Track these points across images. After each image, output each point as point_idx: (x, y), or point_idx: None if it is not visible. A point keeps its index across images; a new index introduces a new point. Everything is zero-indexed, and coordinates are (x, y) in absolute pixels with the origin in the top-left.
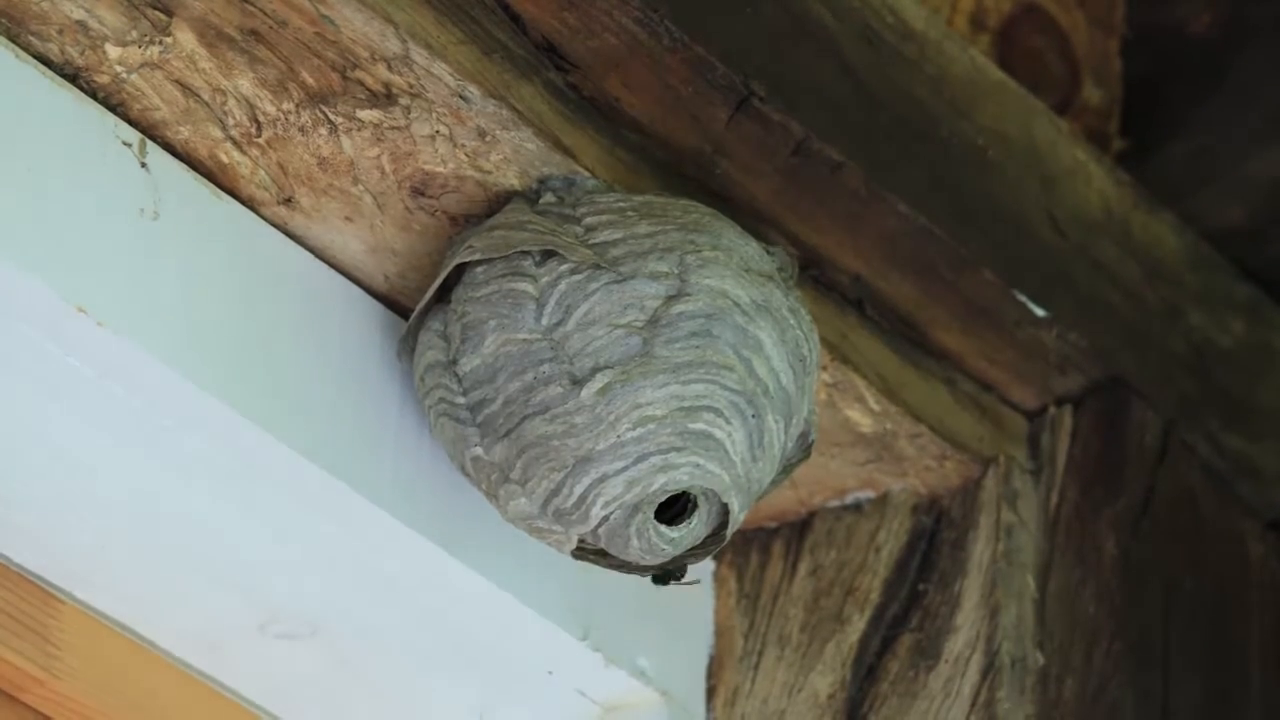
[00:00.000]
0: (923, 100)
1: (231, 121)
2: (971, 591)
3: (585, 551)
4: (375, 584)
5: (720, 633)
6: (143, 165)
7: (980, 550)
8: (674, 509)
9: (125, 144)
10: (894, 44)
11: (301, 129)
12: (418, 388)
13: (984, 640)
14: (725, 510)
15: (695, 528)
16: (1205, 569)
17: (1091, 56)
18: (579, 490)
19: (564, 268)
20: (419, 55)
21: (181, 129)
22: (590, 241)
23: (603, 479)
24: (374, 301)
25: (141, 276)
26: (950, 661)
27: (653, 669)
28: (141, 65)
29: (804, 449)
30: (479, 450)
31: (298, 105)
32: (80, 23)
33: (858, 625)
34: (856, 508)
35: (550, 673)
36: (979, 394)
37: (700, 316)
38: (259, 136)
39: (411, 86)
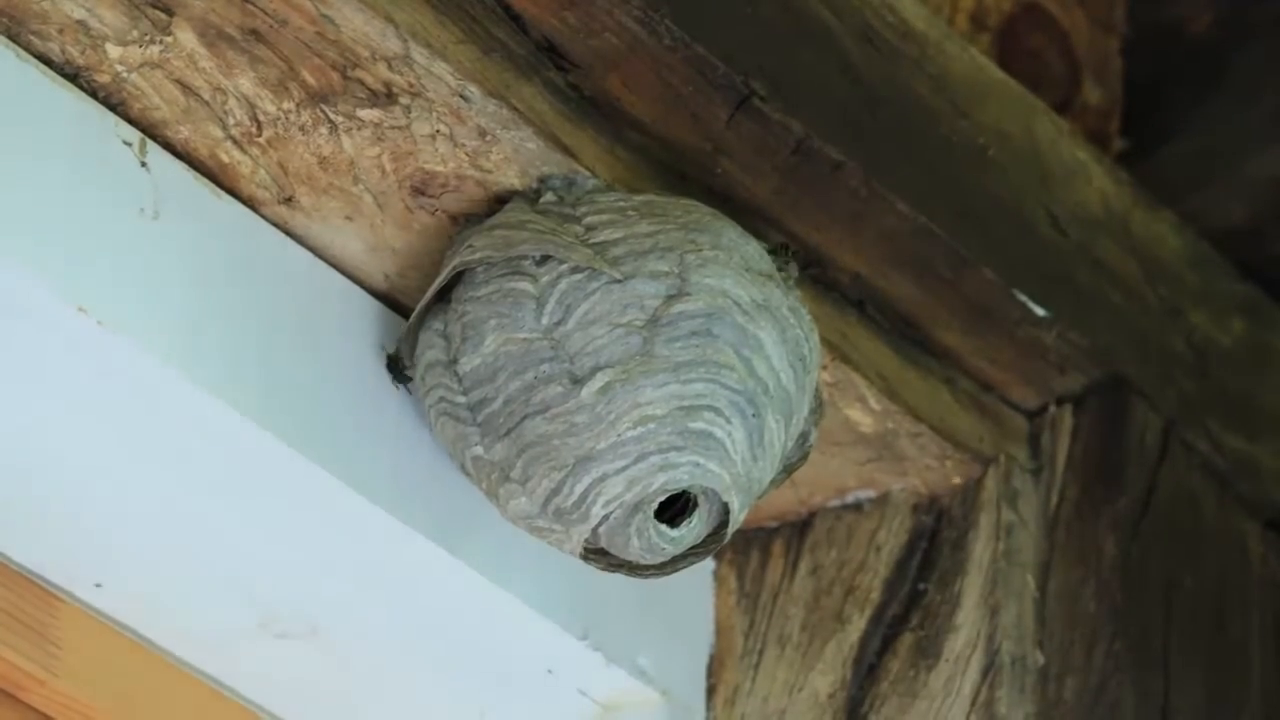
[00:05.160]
0: (923, 99)
1: (232, 121)
2: (972, 591)
3: (589, 553)
4: (375, 584)
5: (720, 632)
6: (143, 165)
7: (980, 550)
8: (674, 508)
9: (125, 143)
10: (894, 43)
11: (302, 128)
12: (418, 387)
13: (984, 639)
14: (725, 509)
15: (695, 527)
16: (1205, 569)
17: (1092, 56)
18: (579, 489)
19: (564, 266)
20: (419, 54)
21: (182, 128)
22: (590, 241)
23: (603, 478)
24: (374, 301)
25: (141, 276)
26: (950, 661)
27: (653, 668)
28: (142, 64)
29: (803, 450)
30: (479, 449)
31: (298, 104)
32: (81, 22)
33: (858, 624)
34: (857, 507)
35: (550, 672)
36: (979, 393)
37: (700, 316)
38: (259, 136)
39: (412, 86)
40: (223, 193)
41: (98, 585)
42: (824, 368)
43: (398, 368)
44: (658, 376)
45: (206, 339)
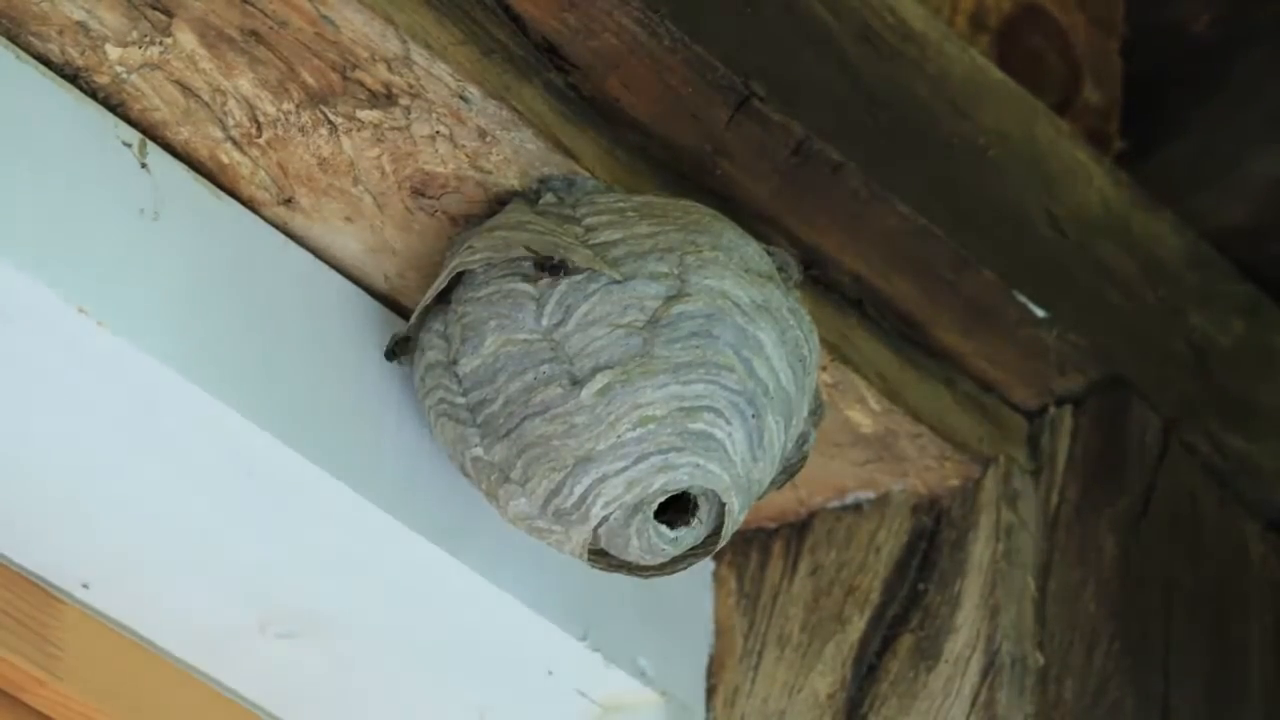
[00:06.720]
0: (923, 100)
1: (232, 122)
2: (971, 591)
3: (590, 554)
4: (375, 584)
5: (720, 633)
6: (143, 165)
7: (980, 550)
8: (674, 509)
9: (125, 144)
10: (894, 44)
11: (302, 129)
12: (418, 388)
13: (984, 640)
14: (725, 510)
15: (695, 528)
16: (1205, 569)
17: (1091, 56)
18: (579, 490)
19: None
20: (419, 56)
21: (182, 129)
22: (590, 242)
23: (603, 479)
24: (374, 301)
25: (141, 276)
26: (950, 661)
27: (653, 669)
28: (142, 65)
29: (802, 451)
30: (479, 450)
31: (298, 105)
32: (80, 23)
33: (858, 625)
34: (856, 508)
35: (550, 673)
36: (979, 394)
37: (700, 317)
38: (259, 137)
39: (412, 87)
40: (222, 194)
41: (85, 585)
42: (824, 368)
43: (403, 348)
44: (657, 377)
45: (206, 339)
